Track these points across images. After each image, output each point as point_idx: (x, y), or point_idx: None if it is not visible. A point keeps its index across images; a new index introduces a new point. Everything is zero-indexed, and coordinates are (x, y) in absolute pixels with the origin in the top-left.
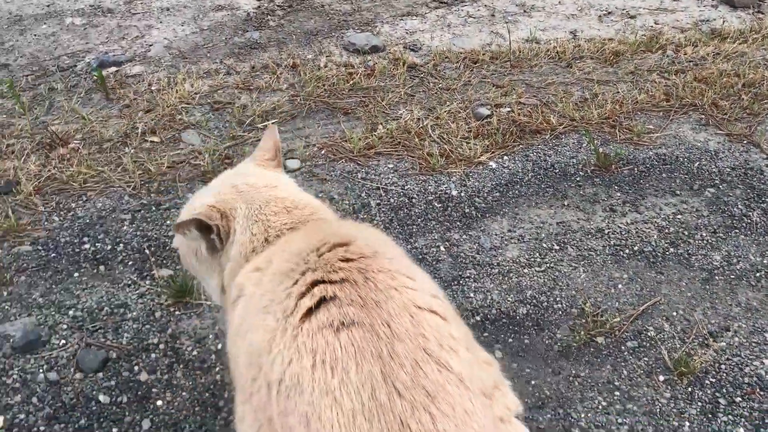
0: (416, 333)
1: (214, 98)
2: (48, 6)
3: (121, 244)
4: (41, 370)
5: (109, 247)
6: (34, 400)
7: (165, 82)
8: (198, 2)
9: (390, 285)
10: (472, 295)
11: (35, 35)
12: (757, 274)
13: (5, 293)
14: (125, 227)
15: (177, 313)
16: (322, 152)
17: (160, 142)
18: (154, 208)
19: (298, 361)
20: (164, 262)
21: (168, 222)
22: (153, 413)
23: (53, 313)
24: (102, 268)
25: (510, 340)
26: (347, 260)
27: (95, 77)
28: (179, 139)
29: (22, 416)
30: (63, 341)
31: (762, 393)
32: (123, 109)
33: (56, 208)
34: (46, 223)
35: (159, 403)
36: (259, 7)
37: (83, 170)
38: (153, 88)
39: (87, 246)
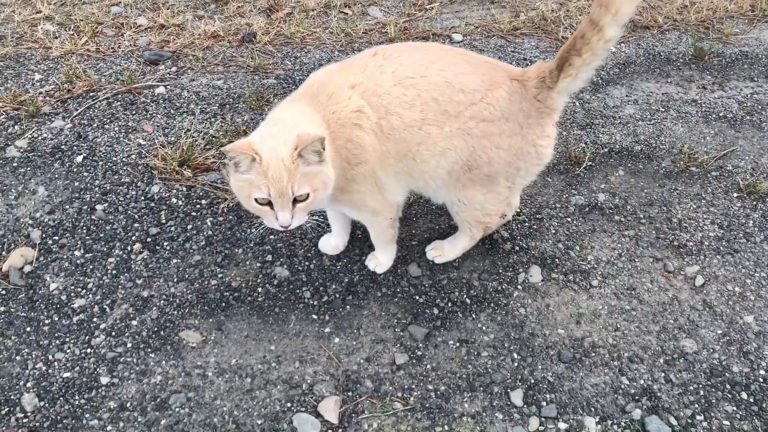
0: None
1: None
2: None
3: None
4: None
5: None
6: None
7: None
8: None
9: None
10: (601, 136)
11: None
12: None
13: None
14: None
15: None
16: (478, 30)
17: (352, 15)
18: None
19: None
20: None
21: None
22: None
23: None
24: None
25: (629, 164)
26: None
27: None
28: (366, 12)
29: None
30: None
31: None
32: None
33: (286, 56)
34: (281, 65)
35: None
36: None
37: (301, 29)
38: None
39: None
